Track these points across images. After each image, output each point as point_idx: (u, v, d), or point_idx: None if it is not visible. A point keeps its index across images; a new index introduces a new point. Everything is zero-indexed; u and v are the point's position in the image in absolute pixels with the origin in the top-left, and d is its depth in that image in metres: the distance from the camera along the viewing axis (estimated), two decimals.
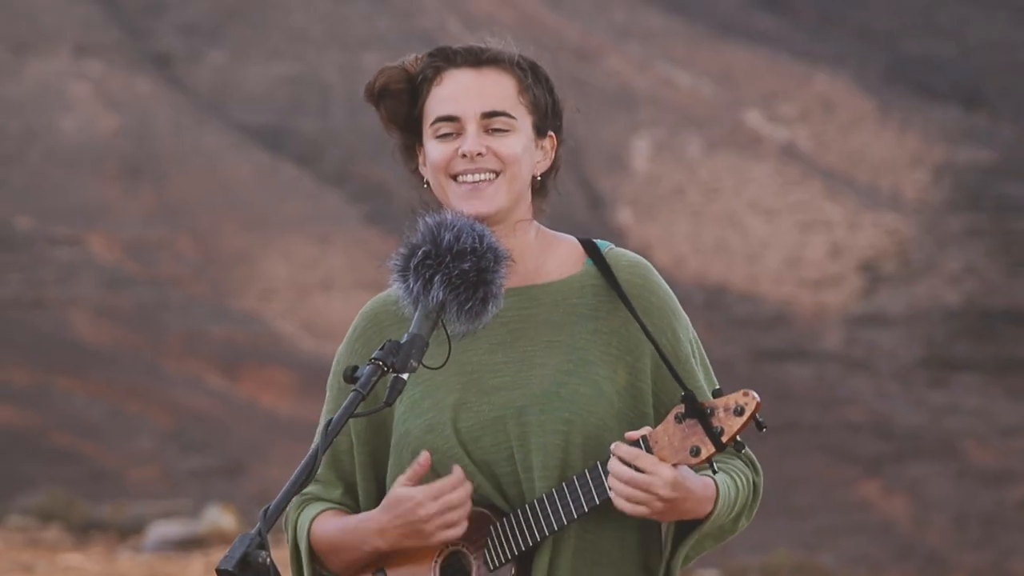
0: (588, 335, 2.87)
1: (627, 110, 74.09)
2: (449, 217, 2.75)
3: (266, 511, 2.52)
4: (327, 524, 2.90)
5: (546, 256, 2.95)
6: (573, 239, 3.00)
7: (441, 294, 2.70)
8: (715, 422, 2.60)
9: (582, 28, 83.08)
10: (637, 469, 2.65)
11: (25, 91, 74.82)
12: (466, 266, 2.70)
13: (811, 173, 73.57)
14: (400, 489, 2.79)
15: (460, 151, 2.85)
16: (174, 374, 55.57)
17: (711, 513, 2.74)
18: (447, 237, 2.71)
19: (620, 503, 2.67)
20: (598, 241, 2.97)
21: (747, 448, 2.80)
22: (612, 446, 2.69)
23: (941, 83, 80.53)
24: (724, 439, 2.60)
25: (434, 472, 2.82)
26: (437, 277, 2.70)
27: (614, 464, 2.66)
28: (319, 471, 2.85)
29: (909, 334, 63.46)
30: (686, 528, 2.80)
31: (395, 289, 2.77)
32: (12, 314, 59.64)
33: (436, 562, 2.84)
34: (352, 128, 73.62)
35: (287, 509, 2.91)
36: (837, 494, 51.93)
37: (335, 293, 64.00)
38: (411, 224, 2.78)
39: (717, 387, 2.75)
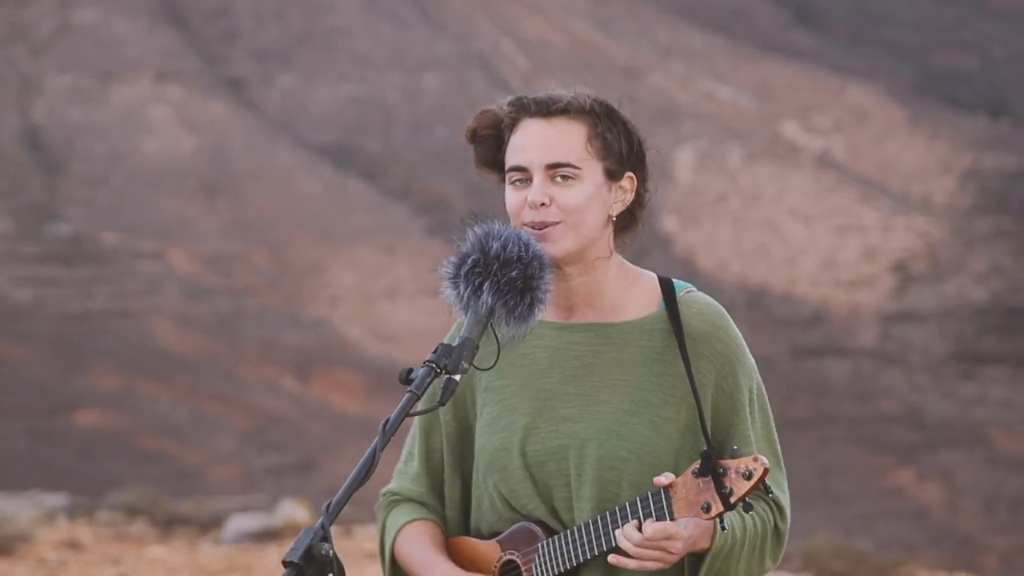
0: (653, 377, 2.85)
1: (671, 124, 73.88)
2: (496, 227, 2.75)
3: (328, 506, 2.53)
4: (407, 546, 2.95)
5: (625, 294, 2.92)
6: (653, 277, 2.97)
7: (490, 300, 2.69)
8: (726, 483, 2.59)
9: (628, 48, 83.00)
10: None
11: (110, 116, 75.36)
12: (513, 273, 2.68)
13: (846, 180, 73.22)
14: None
15: (527, 201, 2.83)
16: (251, 378, 55.83)
17: (709, 548, 2.74)
18: (494, 246, 2.70)
19: (634, 565, 2.69)
20: (677, 282, 2.94)
21: (775, 494, 2.80)
22: (642, 528, 2.68)
23: (967, 94, 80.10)
24: (732, 500, 2.58)
25: (497, 491, 2.89)
26: (486, 284, 2.70)
27: (632, 537, 2.67)
28: (414, 465, 3.02)
29: (940, 330, 63.09)
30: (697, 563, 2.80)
31: (446, 295, 2.76)
32: (100, 324, 60.04)
33: (495, 570, 2.89)
34: (414, 146, 73.84)
35: (378, 504, 3.03)
36: (873, 482, 51.68)
37: (400, 300, 64.16)
38: (461, 234, 2.77)
39: (768, 449, 2.81)
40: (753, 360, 2.93)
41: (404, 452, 3.04)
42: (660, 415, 2.83)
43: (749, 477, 2.56)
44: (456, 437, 2.98)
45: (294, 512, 15.00)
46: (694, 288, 2.97)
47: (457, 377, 2.64)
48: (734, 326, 2.92)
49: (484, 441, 2.91)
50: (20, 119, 74.64)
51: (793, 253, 69.39)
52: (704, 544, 2.73)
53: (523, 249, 2.71)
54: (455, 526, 3.00)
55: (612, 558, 2.69)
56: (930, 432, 55.67)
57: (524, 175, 2.85)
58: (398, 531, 2.96)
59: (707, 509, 2.60)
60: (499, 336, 2.78)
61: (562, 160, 2.82)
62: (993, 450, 54.60)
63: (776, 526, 2.86)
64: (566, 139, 2.85)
